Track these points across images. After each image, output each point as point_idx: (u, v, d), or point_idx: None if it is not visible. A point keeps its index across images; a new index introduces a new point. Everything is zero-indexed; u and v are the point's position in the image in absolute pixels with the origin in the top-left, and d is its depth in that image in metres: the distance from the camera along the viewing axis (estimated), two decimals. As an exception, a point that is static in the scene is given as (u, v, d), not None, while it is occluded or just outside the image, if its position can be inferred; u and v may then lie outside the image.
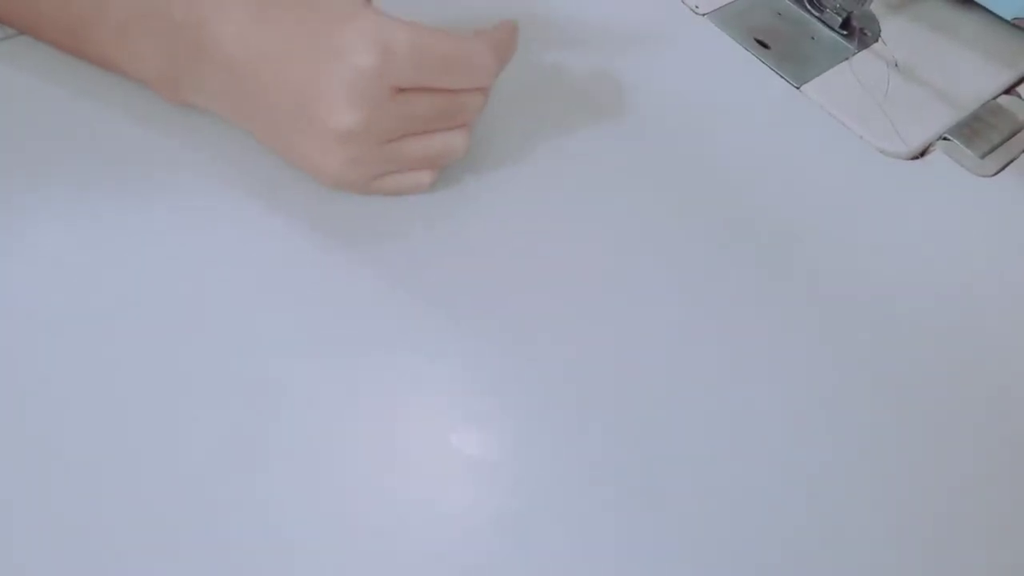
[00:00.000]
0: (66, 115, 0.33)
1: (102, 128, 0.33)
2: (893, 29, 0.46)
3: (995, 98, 0.44)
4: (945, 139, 0.41)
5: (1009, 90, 0.45)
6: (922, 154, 0.41)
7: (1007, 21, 0.47)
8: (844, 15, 0.45)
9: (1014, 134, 0.42)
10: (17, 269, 0.29)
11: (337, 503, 0.26)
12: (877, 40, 0.45)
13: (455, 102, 0.30)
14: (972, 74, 0.45)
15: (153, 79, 0.31)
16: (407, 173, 0.32)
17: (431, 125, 0.31)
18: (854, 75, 0.43)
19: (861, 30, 0.45)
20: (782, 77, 0.43)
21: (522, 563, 0.26)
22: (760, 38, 0.44)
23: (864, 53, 0.45)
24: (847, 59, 0.44)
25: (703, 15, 0.45)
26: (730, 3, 0.46)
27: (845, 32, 0.45)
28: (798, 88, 0.42)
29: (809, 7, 0.46)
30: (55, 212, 0.30)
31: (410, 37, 0.28)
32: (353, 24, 0.28)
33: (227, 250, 0.31)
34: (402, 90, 0.29)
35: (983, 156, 0.41)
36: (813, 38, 0.45)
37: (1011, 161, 0.41)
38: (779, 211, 0.37)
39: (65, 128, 0.32)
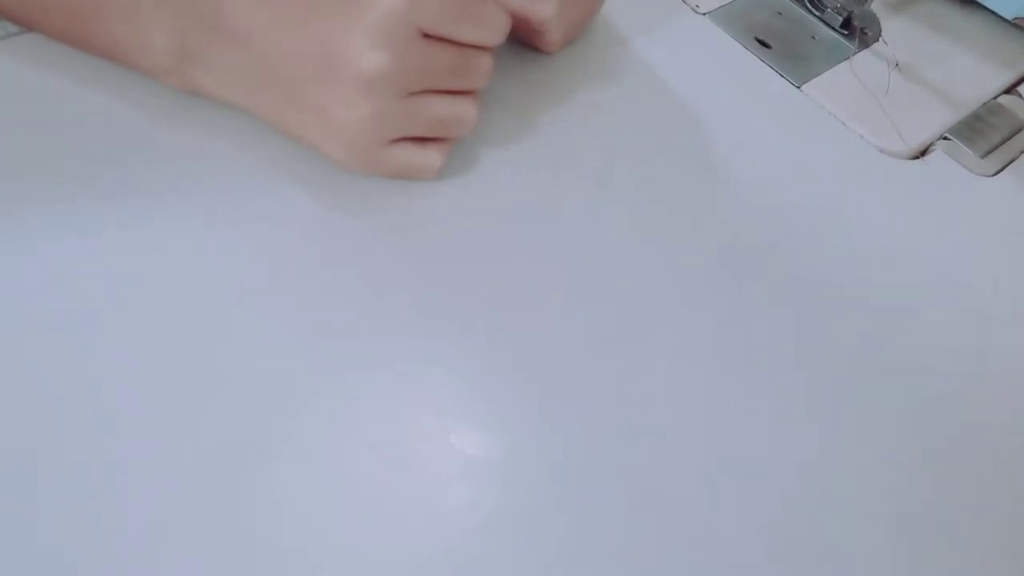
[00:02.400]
0: (69, 113, 0.33)
1: (105, 126, 0.33)
2: (894, 29, 0.46)
3: (996, 98, 0.44)
4: (946, 139, 0.41)
5: (1010, 90, 0.45)
6: (923, 153, 0.41)
7: (1007, 21, 0.47)
8: (845, 15, 0.45)
9: (1014, 134, 0.42)
10: (20, 267, 0.29)
11: (336, 503, 0.26)
12: (878, 40, 0.45)
13: (468, 59, 0.31)
14: (972, 74, 0.45)
15: (161, 63, 0.31)
16: (417, 147, 0.32)
17: (446, 82, 0.31)
18: (855, 74, 0.43)
19: (862, 30, 0.45)
20: (782, 76, 0.43)
21: (522, 563, 0.26)
22: (761, 37, 0.44)
23: (865, 53, 0.45)
24: (848, 58, 0.44)
25: (704, 14, 0.45)
26: (731, 2, 0.46)
27: (846, 32, 0.45)
28: (798, 87, 0.42)
29: (810, 6, 0.46)
30: (58, 210, 0.30)
31: None
32: None
33: (227, 249, 0.31)
34: (425, 36, 0.29)
35: (983, 156, 0.41)
36: (814, 37, 0.45)
37: (1011, 161, 0.41)
38: (779, 210, 0.37)
39: (68, 126, 0.32)
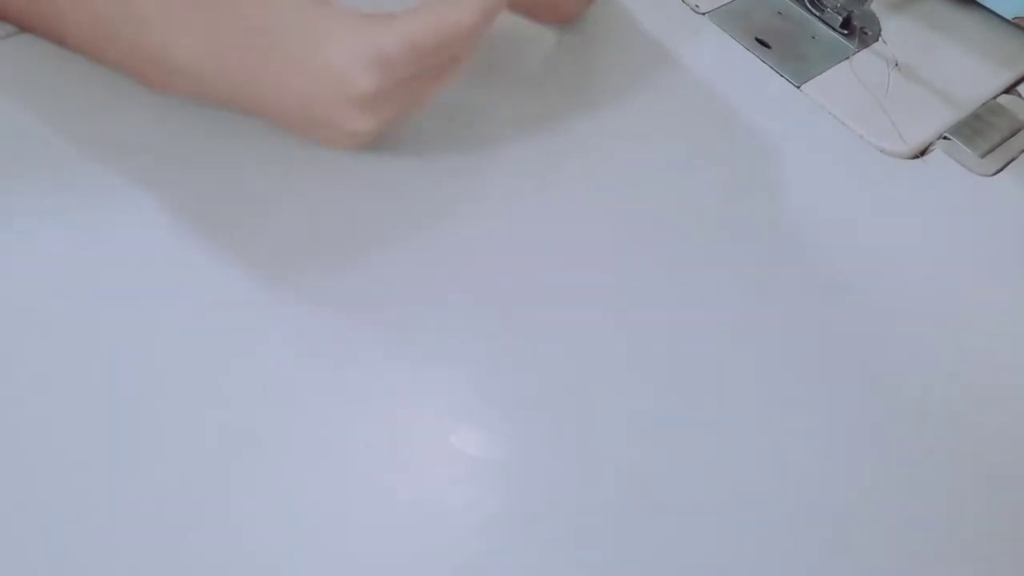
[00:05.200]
0: (67, 114, 0.33)
1: (104, 126, 0.33)
2: (893, 29, 0.46)
3: (995, 97, 0.44)
4: (945, 138, 0.41)
5: (1009, 89, 0.45)
6: (922, 153, 0.41)
7: (1007, 21, 0.47)
8: (844, 14, 0.45)
9: (1014, 133, 0.42)
10: (16, 269, 0.29)
11: (336, 502, 0.26)
12: (877, 39, 0.45)
13: (453, 56, 0.30)
14: (972, 73, 0.45)
15: (138, 77, 0.31)
16: None
17: (433, 76, 0.31)
18: (854, 74, 0.43)
19: (861, 29, 0.45)
20: (782, 76, 0.43)
21: (522, 563, 0.26)
22: (761, 37, 0.44)
23: (864, 52, 0.45)
24: (847, 58, 0.44)
25: (703, 14, 0.45)
26: (731, 2, 0.46)
27: (845, 31, 0.45)
28: (798, 87, 0.42)
29: (810, 6, 0.46)
30: (54, 210, 0.30)
31: (400, 40, 0.27)
32: (340, 44, 0.27)
33: (226, 249, 0.31)
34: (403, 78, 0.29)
35: (983, 155, 0.41)
36: (814, 37, 0.45)
37: (1011, 160, 0.41)
38: (779, 210, 0.37)
39: (65, 127, 0.32)
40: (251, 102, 0.30)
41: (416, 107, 0.32)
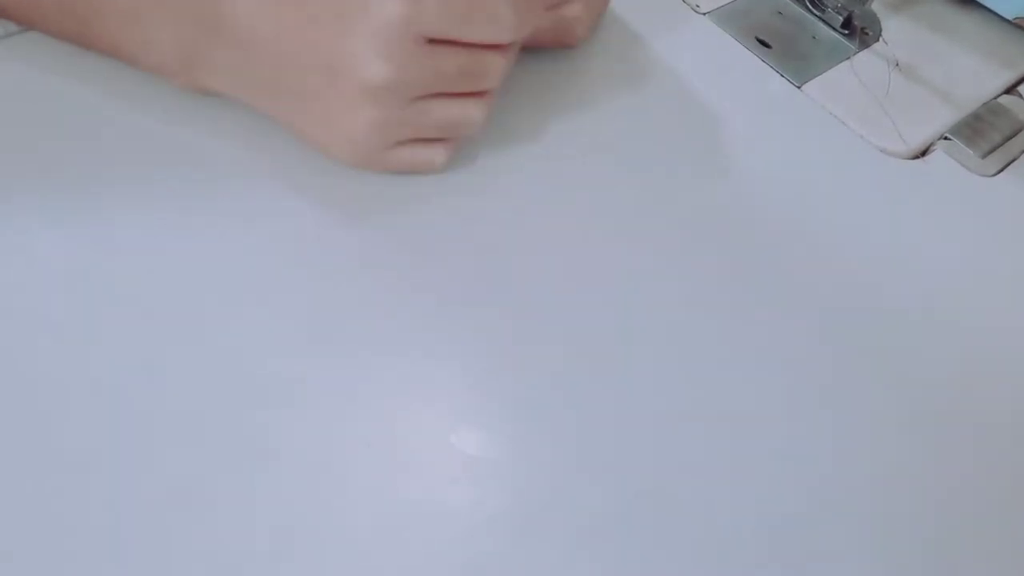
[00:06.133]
0: (69, 113, 0.33)
1: (106, 125, 0.33)
2: (894, 29, 0.46)
3: (996, 98, 0.44)
4: (946, 139, 0.41)
5: (1010, 90, 0.45)
6: (923, 153, 0.41)
7: (1008, 21, 0.47)
8: (845, 14, 0.45)
9: (1015, 134, 0.42)
10: (17, 267, 0.29)
11: (336, 502, 0.26)
12: (878, 40, 0.45)
13: (478, 60, 0.30)
14: (973, 74, 0.45)
15: (165, 64, 0.31)
16: (421, 147, 0.32)
17: (455, 86, 0.31)
18: (855, 74, 0.43)
19: (862, 29, 0.45)
20: (783, 76, 0.43)
21: (522, 563, 0.26)
22: (761, 37, 0.44)
23: (865, 52, 0.45)
24: (848, 58, 0.44)
25: (704, 14, 0.45)
26: (731, 2, 0.46)
27: (846, 31, 0.45)
28: (799, 87, 0.42)
29: (810, 6, 0.46)
30: (59, 210, 0.30)
31: None
32: None
33: (228, 247, 0.31)
34: (430, 41, 0.29)
35: (984, 156, 0.41)
36: (814, 37, 0.45)
37: (1012, 161, 0.41)
38: (779, 210, 0.37)
39: (68, 126, 0.32)
40: (278, 64, 0.29)
41: (419, 126, 0.31)
